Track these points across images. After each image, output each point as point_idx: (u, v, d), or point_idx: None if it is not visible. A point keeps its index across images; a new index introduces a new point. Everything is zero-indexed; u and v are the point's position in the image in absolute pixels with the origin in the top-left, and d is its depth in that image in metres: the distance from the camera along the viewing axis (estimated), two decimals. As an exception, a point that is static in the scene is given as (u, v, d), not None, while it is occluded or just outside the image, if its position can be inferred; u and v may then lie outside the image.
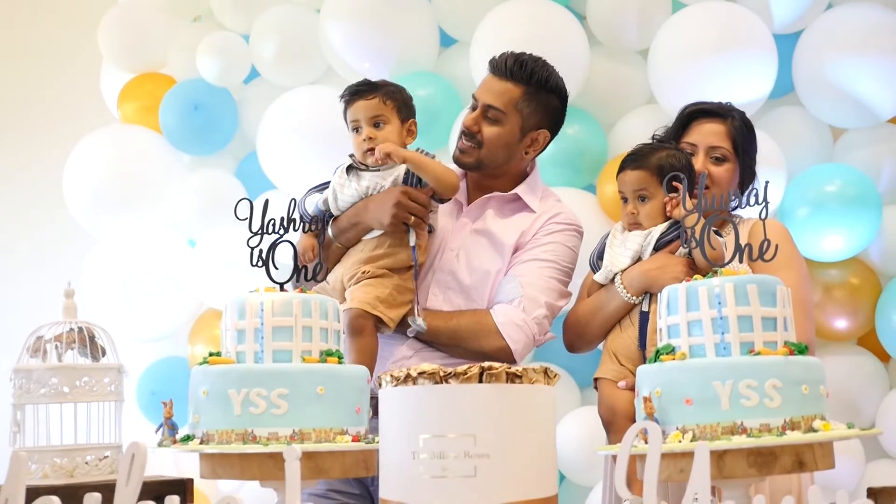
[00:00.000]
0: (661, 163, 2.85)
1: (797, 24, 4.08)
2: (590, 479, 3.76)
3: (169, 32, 4.60)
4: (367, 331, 2.85)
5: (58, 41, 5.32)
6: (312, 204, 3.00)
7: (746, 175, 3.05)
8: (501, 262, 3.04)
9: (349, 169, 2.99)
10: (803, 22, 4.07)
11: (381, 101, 2.98)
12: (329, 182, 3.03)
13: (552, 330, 3.13)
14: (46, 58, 5.36)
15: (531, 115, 3.09)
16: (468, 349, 2.94)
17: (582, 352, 3.08)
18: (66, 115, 5.07)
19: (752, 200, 2.25)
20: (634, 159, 2.90)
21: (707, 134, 3.00)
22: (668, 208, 2.79)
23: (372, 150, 2.94)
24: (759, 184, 2.97)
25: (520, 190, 3.12)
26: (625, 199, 2.90)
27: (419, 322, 2.90)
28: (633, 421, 2.67)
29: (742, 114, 3.08)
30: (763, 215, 2.25)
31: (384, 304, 2.84)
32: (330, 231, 2.96)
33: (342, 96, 3.05)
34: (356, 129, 2.99)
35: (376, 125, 2.97)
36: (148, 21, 4.60)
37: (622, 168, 2.92)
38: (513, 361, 2.84)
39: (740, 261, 2.17)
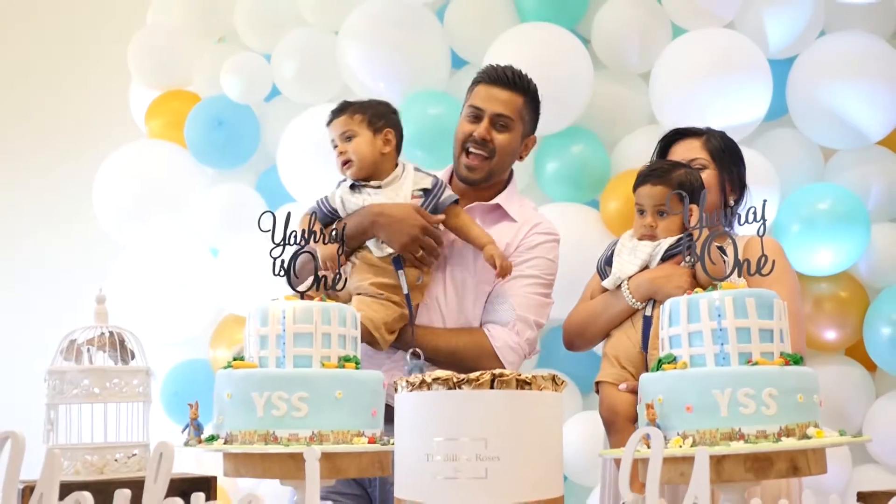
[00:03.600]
0: (681, 180, 2.86)
1: (791, 50, 4.09)
2: (591, 479, 3.75)
3: (194, 52, 4.60)
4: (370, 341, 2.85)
5: (89, 61, 5.34)
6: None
7: (735, 187, 3.08)
8: (486, 271, 3.01)
9: (353, 186, 2.99)
10: (797, 48, 4.08)
11: (349, 117, 3.01)
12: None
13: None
14: (78, 76, 5.38)
15: (529, 122, 3.14)
16: (467, 368, 2.90)
17: (580, 350, 3.11)
18: (97, 130, 5.08)
19: (751, 217, 2.25)
20: (657, 175, 2.90)
21: (686, 150, 3.07)
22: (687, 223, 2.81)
23: (347, 162, 2.98)
24: (751, 200, 3.00)
25: (500, 199, 3.13)
26: (641, 212, 2.90)
27: (418, 362, 2.91)
28: (633, 421, 2.69)
29: (720, 133, 3.14)
30: (761, 232, 2.27)
31: (386, 327, 2.85)
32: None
33: (328, 118, 3.08)
34: (334, 146, 3.03)
35: (347, 139, 2.99)
36: (174, 42, 4.61)
37: (642, 182, 2.91)
38: None
39: (738, 275, 2.17)
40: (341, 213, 2.98)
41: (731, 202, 3.06)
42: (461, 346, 2.98)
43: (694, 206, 2.68)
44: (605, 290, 2.92)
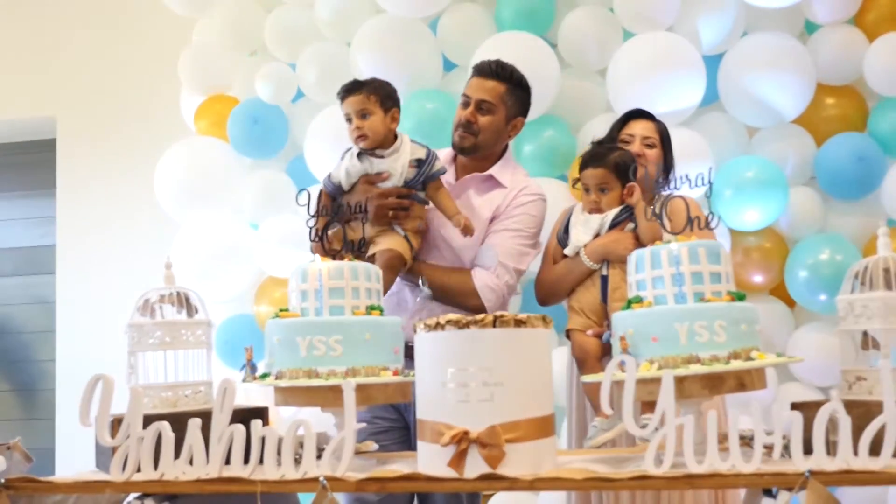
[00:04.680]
0: (617, 161, 2.91)
1: (720, 48, 4.10)
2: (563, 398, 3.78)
3: (232, 63, 4.59)
4: (396, 269, 2.90)
5: (147, 73, 5.32)
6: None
7: (669, 161, 3.13)
8: (479, 229, 3.01)
9: (360, 155, 2.97)
10: (725, 46, 4.09)
11: (365, 96, 2.96)
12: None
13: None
14: (139, 85, 5.36)
15: (512, 105, 3.11)
16: (453, 303, 2.96)
17: (550, 305, 3.10)
18: (155, 130, 5.06)
19: (699, 182, 2.25)
20: (597, 159, 2.95)
21: (641, 128, 3.11)
22: (625, 195, 2.86)
23: (362, 136, 2.94)
24: (676, 172, 3.03)
25: (493, 170, 3.12)
26: (587, 190, 2.94)
27: (425, 288, 2.98)
28: (600, 359, 2.73)
29: (664, 122, 3.20)
30: (708, 193, 2.31)
31: (406, 253, 2.94)
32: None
33: (338, 94, 3.04)
34: (349, 120, 2.98)
35: (363, 116, 2.94)
36: (216, 55, 4.59)
37: (585, 166, 2.96)
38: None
39: (690, 229, 2.17)
40: (344, 185, 2.98)
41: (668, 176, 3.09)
42: (450, 283, 2.99)
43: (633, 183, 2.83)
44: (565, 256, 2.96)
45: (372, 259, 2.82)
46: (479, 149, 3.10)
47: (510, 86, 3.10)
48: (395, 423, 2.97)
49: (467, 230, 2.91)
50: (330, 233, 2.50)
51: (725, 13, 4.05)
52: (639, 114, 3.18)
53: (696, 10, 4.05)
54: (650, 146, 3.06)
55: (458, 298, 2.97)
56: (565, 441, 3.31)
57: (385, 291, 2.81)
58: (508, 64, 3.14)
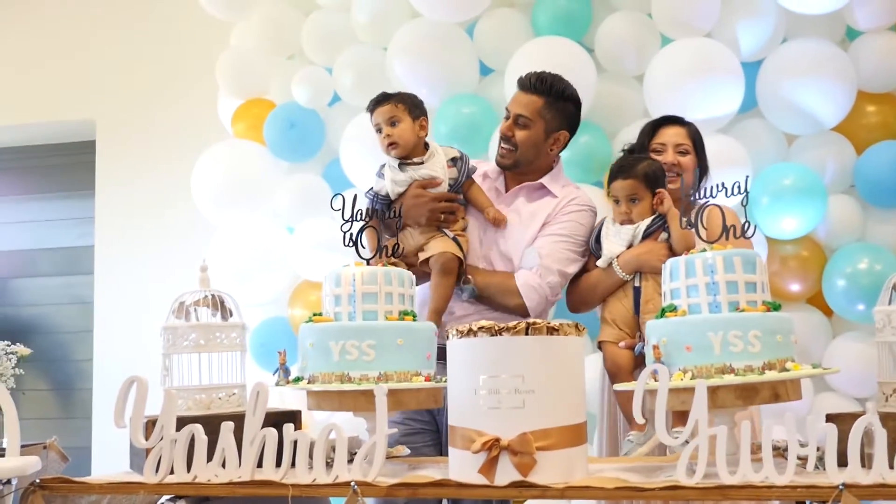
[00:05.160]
0: (646, 171, 2.90)
1: (759, 54, 4.06)
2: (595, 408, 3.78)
3: (270, 67, 4.61)
4: (454, 271, 2.94)
5: (186, 76, 5.36)
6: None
7: (703, 165, 3.10)
8: (529, 236, 3.03)
9: (401, 165, 3.02)
10: (764, 52, 4.05)
11: (393, 105, 3.03)
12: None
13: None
14: (178, 89, 5.41)
15: (552, 119, 3.07)
16: (497, 303, 2.98)
17: (581, 312, 3.09)
18: (193, 132, 5.10)
19: (736, 190, 2.25)
20: (624, 171, 2.94)
21: (673, 135, 3.07)
22: (656, 204, 2.84)
23: (393, 144, 3.00)
24: (710, 180, 3.01)
25: (544, 180, 3.11)
26: (617, 202, 2.93)
27: (469, 287, 2.97)
28: (632, 372, 2.72)
29: (694, 124, 3.15)
30: (745, 202, 2.29)
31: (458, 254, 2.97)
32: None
33: (367, 108, 3.11)
34: (379, 130, 3.04)
35: (393, 124, 3.00)
36: (253, 59, 4.62)
37: (613, 178, 2.96)
38: (528, 316, 2.86)
39: (726, 238, 2.16)
40: (392, 195, 3.02)
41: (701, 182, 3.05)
42: (493, 284, 2.99)
43: (662, 191, 2.82)
44: (595, 266, 2.95)
45: (426, 264, 2.89)
46: (520, 164, 3.09)
47: (549, 99, 3.07)
48: (426, 426, 2.98)
49: (497, 221, 3.01)
50: (366, 237, 2.52)
51: (765, 19, 4.02)
52: (669, 120, 3.15)
53: (735, 15, 4.02)
54: (683, 153, 3.04)
55: (499, 297, 2.97)
56: (596, 450, 3.30)
57: (448, 294, 2.91)
58: (551, 76, 3.11)
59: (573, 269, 3.03)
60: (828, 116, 3.96)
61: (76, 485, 2.17)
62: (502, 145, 3.11)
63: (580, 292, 3.03)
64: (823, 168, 3.97)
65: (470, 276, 2.98)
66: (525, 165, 3.10)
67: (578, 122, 3.21)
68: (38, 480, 2.15)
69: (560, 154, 3.18)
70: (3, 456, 2.48)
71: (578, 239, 3.04)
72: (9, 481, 2.25)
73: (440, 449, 2.93)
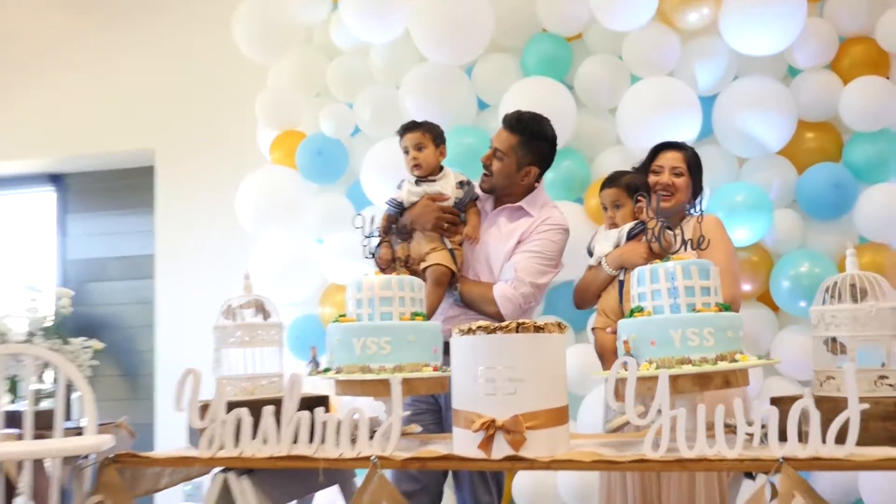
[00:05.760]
0: (629, 182, 2.90)
1: (714, 89, 4.07)
2: (582, 389, 3.79)
3: (300, 104, 4.60)
4: (444, 282, 2.95)
5: (229, 110, 5.36)
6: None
7: (697, 188, 3.04)
8: (507, 250, 3.03)
9: (417, 181, 3.05)
10: (718, 88, 4.07)
11: (421, 133, 3.07)
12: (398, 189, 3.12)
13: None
14: (223, 122, 5.42)
15: (524, 156, 3.07)
16: (478, 309, 2.97)
17: (585, 308, 3.09)
18: (236, 159, 5.09)
19: (699, 208, 2.27)
20: (611, 181, 2.95)
21: (670, 159, 3.00)
22: (636, 212, 2.85)
23: (418, 165, 3.03)
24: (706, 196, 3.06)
25: (523, 202, 3.10)
26: (605, 208, 2.94)
27: (457, 293, 3.00)
28: (616, 355, 2.72)
29: (693, 149, 3.09)
30: (700, 219, 2.31)
31: (452, 266, 2.98)
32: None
33: (398, 132, 3.13)
34: (406, 152, 3.07)
35: (419, 149, 3.04)
36: (287, 96, 4.61)
37: (603, 188, 2.96)
38: (502, 321, 2.85)
39: (684, 250, 2.18)
40: (406, 203, 3.05)
41: (695, 197, 3.04)
42: (474, 293, 2.99)
43: (642, 199, 2.79)
44: (591, 267, 2.96)
45: (426, 272, 2.89)
46: (495, 189, 3.11)
47: (524, 138, 3.06)
48: (431, 407, 2.99)
49: (467, 237, 3.03)
50: (381, 251, 2.55)
51: (719, 60, 4.03)
52: (669, 145, 3.08)
53: (693, 57, 4.03)
54: (678, 175, 2.97)
55: (479, 305, 2.97)
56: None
57: (437, 303, 2.89)
58: (529, 117, 3.11)
59: (544, 280, 3.02)
60: (773, 142, 3.97)
61: (143, 459, 2.20)
62: (483, 172, 3.13)
63: (580, 292, 3.02)
64: (770, 186, 3.97)
65: (458, 285, 2.99)
66: (500, 191, 3.11)
67: (552, 158, 3.17)
68: (112, 456, 2.18)
69: (541, 179, 3.16)
70: (81, 434, 2.52)
71: (549, 254, 3.02)
72: (87, 456, 2.27)
73: (442, 426, 2.94)
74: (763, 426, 1.89)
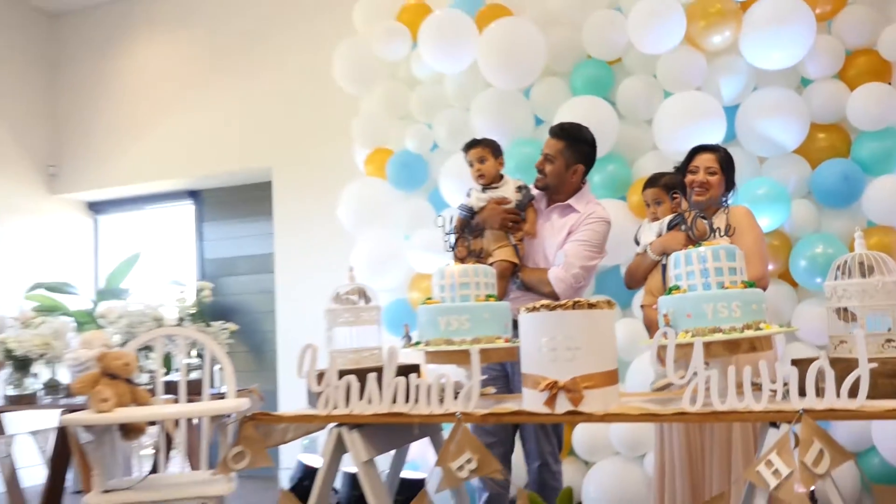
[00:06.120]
0: (667, 182, 2.89)
1: (737, 100, 4.00)
2: (629, 356, 3.77)
3: (389, 126, 4.66)
4: (507, 274, 2.96)
5: (330, 133, 5.46)
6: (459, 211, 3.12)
7: (730, 184, 2.96)
8: (560, 242, 3.02)
9: (484, 189, 3.07)
10: (740, 98, 4.00)
11: (482, 148, 3.08)
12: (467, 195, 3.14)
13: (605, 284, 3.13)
14: (325, 143, 5.52)
15: (570, 156, 3.06)
16: (537, 291, 2.96)
17: (634, 288, 3.08)
18: (337, 173, 5.15)
19: (731, 200, 2.24)
20: (652, 182, 2.95)
21: (705, 160, 2.91)
22: (674, 206, 2.84)
23: (481, 175, 3.05)
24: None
25: (571, 200, 3.07)
26: (647, 205, 2.93)
27: (518, 280, 3.00)
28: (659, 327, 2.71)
29: (725, 149, 3.01)
30: (727, 209, 2.29)
31: (515, 259, 2.99)
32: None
33: (462, 148, 3.14)
34: (471, 165, 3.08)
35: (482, 161, 3.05)
36: (377, 120, 4.67)
37: (645, 188, 2.97)
38: (557, 299, 2.81)
39: (715, 237, 2.16)
40: (476, 208, 3.06)
41: (728, 192, 2.98)
42: (533, 278, 2.98)
43: (677, 195, 2.83)
44: (638, 254, 2.96)
45: (492, 264, 2.88)
46: (549, 188, 3.09)
47: (568, 142, 3.05)
48: (500, 374, 2.99)
49: (526, 234, 3.02)
50: (458, 247, 2.58)
51: (740, 75, 3.96)
52: (704, 148, 2.98)
53: (717, 73, 3.97)
54: (712, 173, 2.88)
55: (537, 287, 2.96)
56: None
57: (503, 290, 2.89)
58: (570, 125, 3.10)
59: (591, 263, 2.99)
60: (789, 142, 3.88)
61: (274, 417, 2.25)
62: (538, 175, 3.11)
63: (630, 273, 3.02)
64: (787, 180, 3.89)
65: (520, 273, 2.99)
66: (553, 189, 3.09)
67: (594, 158, 3.15)
68: (249, 415, 2.25)
69: (586, 179, 3.14)
70: (224, 398, 2.61)
71: (594, 242, 3.00)
72: (229, 415, 2.35)
73: (509, 389, 2.95)
74: (785, 384, 1.87)
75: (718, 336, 1.92)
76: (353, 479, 4.17)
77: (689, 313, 1.98)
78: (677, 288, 2.07)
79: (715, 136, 3.80)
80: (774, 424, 1.82)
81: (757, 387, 1.92)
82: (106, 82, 6.47)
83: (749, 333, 1.93)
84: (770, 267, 3.84)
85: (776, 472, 1.72)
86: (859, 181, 3.83)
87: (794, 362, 2.00)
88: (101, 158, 6.41)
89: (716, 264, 2.02)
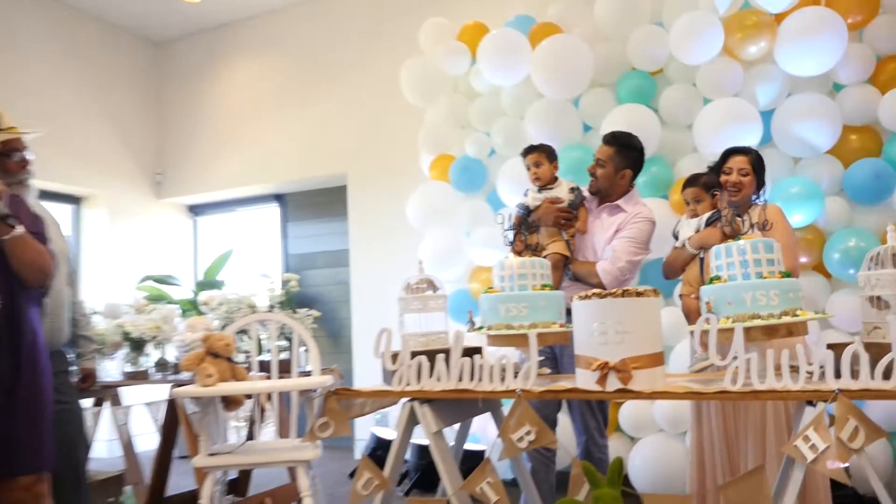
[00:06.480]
0: (705, 182, 2.84)
1: (772, 105, 3.91)
2: (670, 342, 3.71)
3: (451, 134, 4.69)
4: (560, 266, 2.92)
5: (398, 142, 5.51)
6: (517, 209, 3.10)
7: (761, 183, 2.87)
8: (608, 238, 2.99)
9: (539, 190, 3.04)
10: (775, 104, 3.90)
11: (538, 154, 3.04)
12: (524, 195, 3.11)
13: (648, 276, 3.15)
14: (394, 151, 5.57)
15: (619, 162, 3.03)
16: (586, 283, 2.93)
17: (671, 279, 3.04)
18: (405, 177, 5.24)
19: (763, 198, 2.20)
20: (690, 182, 2.89)
21: (738, 162, 2.83)
22: (712, 204, 2.79)
23: (537, 178, 3.01)
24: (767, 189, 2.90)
25: (620, 201, 3.04)
26: (687, 203, 2.88)
27: (569, 272, 2.97)
28: (699, 314, 2.66)
29: (757, 151, 2.93)
30: (765, 206, 2.24)
31: (567, 252, 2.96)
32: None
33: (521, 154, 3.11)
34: (528, 169, 3.06)
35: (538, 166, 3.02)
36: (441, 129, 4.71)
37: (684, 187, 2.91)
38: (604, 289, 2.79)
39: (752, 231, 2.12)
40: (531, 207, 3.04)
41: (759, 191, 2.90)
42: (583, 270, 2.95)
43: (717, 193, 2.76)
44: (675, 248, 2.92)
45: (546, 257, 2.87)
46: (600, 191, 3.06)
47: (618, 148, 3.02)
48: (549, 356, 2.97)
49: (578, 230, 2.99)
50: (516, 242, 2.58)
51: (775, 82, 3.87)
52: (736, 150, 2.91)
53: (753, 81, 3.88)
54: (745, 174, 2.81)
55: (586, 278, 2.93)
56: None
57: (558, 280, 2.87)
58: (620, 133, 3.06)
59: (636, 258, 2.95)
60: (823, 144, 3.77)
61: (354, 392, 2.27)
62: (590, 178, 3.09)
63: (668, 265, 2.98)
64: (821, 179, 3.78)
65: (571, 266, 2.97)
66: (603, 191, 3.06)
67: (642, 164, 3.10)
68: (333, 390, 2.29)
69: (634, 183, 3.10)
70: (310, 376, 2.66)
71: (640, 239, 2.96)
72: (315, 390, 2.39)
73: (558, 370, 2.94)
74: (821, 367, 1.82)
75: (758, 322, 1.88)
76: (420, 450, 4.22)
77: (729, 301, 1.94)
78: (718, 278, 2.03)
79: (751, 139, 3.72)
80: (811, 403, 1.77)
81: (793, 369, 1.88)
82: (203, 101, 6.66)
83: (786, 319, 1.88)
84: (803, 259, 3.74)
85: (813, 447, 1.68)
86: (890, 179, 3.69)
87: (830, 346, 1.95)
88: (199, 167, 6.60)
89: (754, 256, 1.98)
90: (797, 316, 1.92)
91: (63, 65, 5.98)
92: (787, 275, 2.00)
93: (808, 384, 1.80)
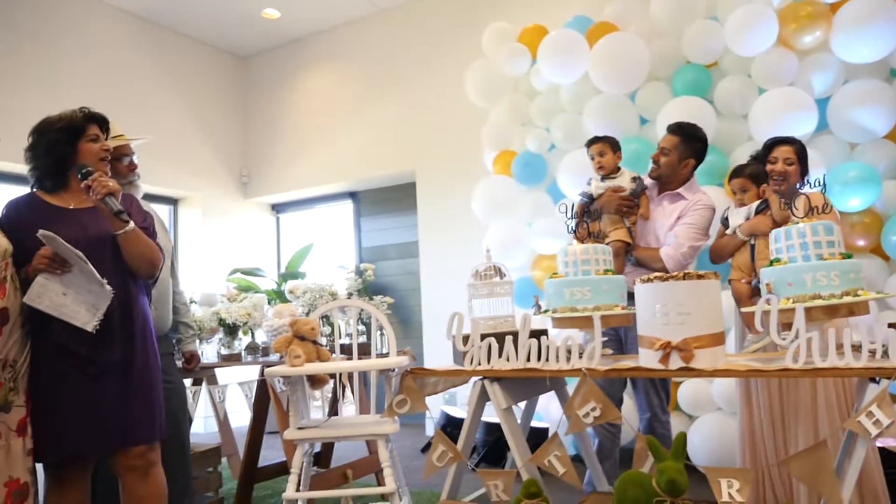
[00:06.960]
0: (750, 172, 2.78)
1: (828, 93, 3.74)
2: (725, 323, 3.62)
3: (513, 131, 4.67)
4: (621, 253, 2.89)
5: (464, 139, 5.52)
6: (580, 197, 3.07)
7: (804, 171, 2.79)
8: (670, 225, 2.93)
9: (602, 179, 3.00)
10: (831, 91, 3.73)
11: (603, 144, 2.99)
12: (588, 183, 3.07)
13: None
14: (460, 147, 5.57)
15: (683, 151, 2.97)
16: (649, 267, 2.88)
17: (719, 264, 2.95)
18: (470, 172, 5.24)
19: (818, 185, 2.12)
20: (737, 173, 2.84)
21: (783, 152, 2.75)
22: (761, 193, 2.74)
23: (601, 167, 2.97)
24: (810, 176, 2.78)
25: (681, 189, 2.99)
26: (734, 192, 2.82)
27: (632, 258, 2.92)
28: (749, 298, 2.60)
29: (800, 141, 2.83)
30: (823, 191, 2.18)
31: (628, 239, 2.92)
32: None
33: (586, 144, 3.08)
34: (592, 158, 3.02)
35: (602, 155, 2.98)
36: (503, 127, 4.70)
37: (731, 178, 2.84)
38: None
39: (810, 215, 2.05)
40: (594, 195, 3.01)
41: (802, 179, 2.81)
42: (646, 256, 2.90)
43: (765, 186, 2.69)
44: (723, 234, 2.85)
45: (608, 244, 2.84)
46: (662, 177, 3.01)
47: (683, 138, 2.96)
48: (613, 337, 2.94)
49: (641, 217, 2.94)
50: (579, 229, 2.56)
51: (830, 70, 3.70)
52: (781, 140, 2.82)
53: (808, 69, 3.73)
54: (790, 164, 2.73)
55: (649, 264, 2.89)
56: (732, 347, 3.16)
57: (620, 267, 2.83)
58: (686, 124, 2.99)
59: (697, 244, 2.90)
60: (879, 129, 3.60)
61: (429, 371, 2.30)
62: (652, 165, 3.03)
63: (717, 251, 2.90)
64: (878, 163, 3.60)
65: (634, 252, 2.93)
66: (665, 179, 3.01)
67: (704, 153, 3.03)
68: (409, 370, 2.34)
69: (694, 171, 3.04)
70: (387, 357, 2.71)
71: (700, 225, 2.91)
72: (393, 370, 2.44)
73: (622, 351, 2.91)
74: (883, 345, 1.75)
75: (819, 302, 1.83)
76: (487, 427, 4.24)
77: (789, 282, 1.90)
78: (778, 260, 1.98)
79: (807, 127, 3.59)
80: (874, 380, 1.71)
81: (856, 348, 1.82)
82: (283, 109, 6.83)
83: (847, 299, 1.82)
84: (860, 243, 3.59)
85: (877, 422, 1.63)
86: (949, 162, 3.49)
87: (892, 325, 1.87)
88: (281, 169, 6.78)
89: (814, 238, 1.93)
90: (858, 296, 1.85)
91: (162, 82, 6.24)
92: (847, 256, 1.93)
93: (870, 362, 1.74)
